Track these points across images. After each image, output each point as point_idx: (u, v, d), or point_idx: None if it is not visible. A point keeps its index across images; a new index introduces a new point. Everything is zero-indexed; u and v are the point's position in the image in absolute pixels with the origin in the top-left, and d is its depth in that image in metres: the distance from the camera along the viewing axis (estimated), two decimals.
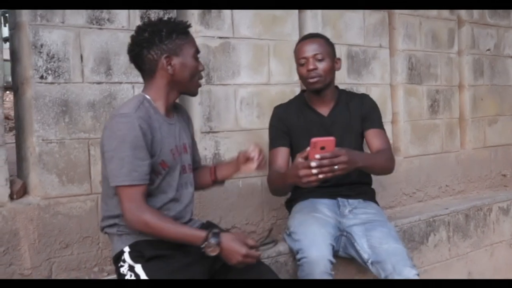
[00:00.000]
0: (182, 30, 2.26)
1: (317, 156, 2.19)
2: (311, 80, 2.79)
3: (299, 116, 2.90)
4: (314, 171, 2.22)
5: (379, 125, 2.88)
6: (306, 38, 2.89)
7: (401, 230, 3.25)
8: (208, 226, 2.35)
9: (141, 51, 2.24)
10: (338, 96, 2.93)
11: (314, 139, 2.21)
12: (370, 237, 2.63)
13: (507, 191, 4.48)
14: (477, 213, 3.80)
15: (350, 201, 2.82)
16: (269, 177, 2.83)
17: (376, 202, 2.91)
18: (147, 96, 2.26)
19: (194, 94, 2.40)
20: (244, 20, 3.30)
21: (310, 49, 2.79)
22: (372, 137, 2.83)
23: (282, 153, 2.85)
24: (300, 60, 2.82)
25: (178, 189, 2.31)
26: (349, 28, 3.81)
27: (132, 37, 2.28)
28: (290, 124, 2.88)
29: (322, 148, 2.21)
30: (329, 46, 2.86)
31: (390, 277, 2.49)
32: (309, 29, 3.60)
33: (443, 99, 4.48)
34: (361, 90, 3.87)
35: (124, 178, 2.10)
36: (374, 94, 3.94)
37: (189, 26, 2.31)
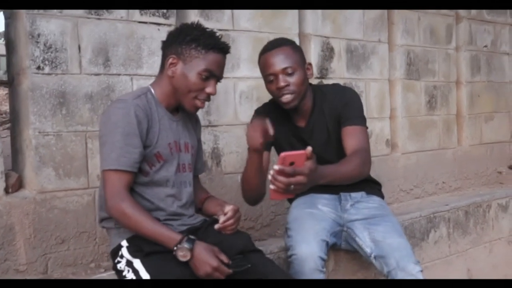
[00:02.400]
0: (205, 44, 2.19)
1: (276, 167, 2.01)
2: (284, 100, 2.50)
3: (277, 126, 2.52)
4: (271, 187, 2.06)
5: (354, 122, 2.56)
6: (271, 49, 2.52)
7: (402, 226, 3.18)
8: (211, 222, 2.30)
9: (164, 44, 2.27)
10: (313, 101, 2.65)
11: (283, 154, 2.02)
12: (373, 231, 2.57)
13: (506, 188, 4.46)
14: (476, 209, 3.78)
15: (353, 195, 2.73)
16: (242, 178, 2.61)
17: (381, 196, 2.84)
18: (152, 90, 2.26)
19: (188, 111, 2.30)
20: (244, 12, 3.25)
21: (278, 62, 2.46)
22: (346, 136, 2.56)
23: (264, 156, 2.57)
24: (268, 76, 2.51)
25: (177, 186, 2.27)
26: (348, 22, 3.77)
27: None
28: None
29: (292, 163, 2.02)
30: (297, 53, 2.55)
31: (393, 272, 2.44)
32: (309, 22, 3.57)
33: (441, 95, 4.46)
34: (360, 85, 3.83)
35: (112, 163, 2.07)
36: (373, 89, 3.93)
37: (221, 47, 2.24)
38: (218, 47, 2.23)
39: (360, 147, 2.50)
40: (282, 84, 2.47)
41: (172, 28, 2.82)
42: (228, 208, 2.27)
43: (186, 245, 2.02)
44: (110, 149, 2.08)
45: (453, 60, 4.56)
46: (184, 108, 2.28)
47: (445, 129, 4.50)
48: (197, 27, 2.25)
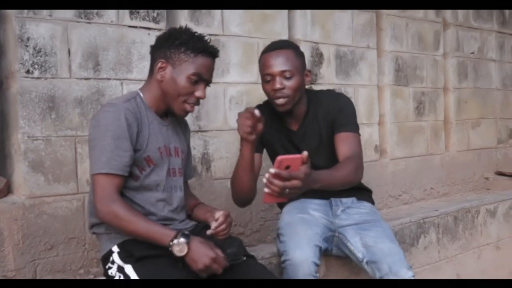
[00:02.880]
0: (194, 48, 2.18)
1: (272, 170, 2.02)
2: (278, 102, 2.51)
3: (269, 127, 2.56)
4: (266, 190, 2.07)
5: (347, 128, 2.57)
6: (273, 49, 2.53)
7: (393, 232, 3.21)
8: (203, 227, 2.29)
9: (153, 48, 2.26)
10: (307, 106, 2.65)
11: (279, 157, 2.04)
12: (364, 236, 2.56)
13: (494, 194, 4.48)
14: (465, 215, 3.78)
15: (344, 200, 2.73)
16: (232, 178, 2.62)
17: (371, 202, 2.84)
18: (141, 94, 2.24)
19: (178, 115, 2.30)
20: (234, 17, 3.24)
21: (277, 64, 2.47)
22: (339, 143, 2.57)
23: (256, 159, 2.58)
24: (265, 76, 2.52)
25: (167, 191, 2.26)
26: (338, 28, 3.78)
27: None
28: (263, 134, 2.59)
29: (287, 167, 2.05)
30: (298, 58, 2.55)
31: (385, 277, 2.43)
32: (299, 28, 3.57)
33: (429, 101, 4.48)
34: (349, 91, 3.84)
35: (102, 166, 2.05)
36: (362, 95, 3.94)
37: (210, 51, 2.24)
38: (207, 50, 2.23)
39: (353, 153, 2.51)
40: (277, 86, 2.47)
41: (162, 32, 2.81)
42: (219, 214, 2.27)
43: (182, 239, 2.00)
44: (100, 152, 2.06)
45: (440, 66, 4.59)
46: (173, 112, 2.27)
47: (433, 135, 4.51)
48: (186, 31, 2.25)
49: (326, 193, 2.68)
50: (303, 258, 2.39)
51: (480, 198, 4.20)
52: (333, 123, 2.60)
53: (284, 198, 2.13)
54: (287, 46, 2.57)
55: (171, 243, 2.00)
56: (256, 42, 3.30)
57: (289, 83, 2.48)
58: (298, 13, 3.58)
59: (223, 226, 2.24)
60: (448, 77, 4.68)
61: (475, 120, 4.92)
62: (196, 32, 2.26)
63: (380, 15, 4.11)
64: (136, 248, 2.09)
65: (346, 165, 2.45)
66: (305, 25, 3.60)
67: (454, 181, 4.72)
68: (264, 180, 2.04)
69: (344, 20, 3.83)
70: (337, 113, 2.60)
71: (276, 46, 2.55)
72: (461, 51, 4.78)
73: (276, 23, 3.43)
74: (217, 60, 3.10)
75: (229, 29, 3.23)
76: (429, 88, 4.48)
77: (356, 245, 2.57)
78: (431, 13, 4.48)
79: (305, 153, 2.04)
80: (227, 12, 3.21)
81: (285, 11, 3.49)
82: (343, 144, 2.55)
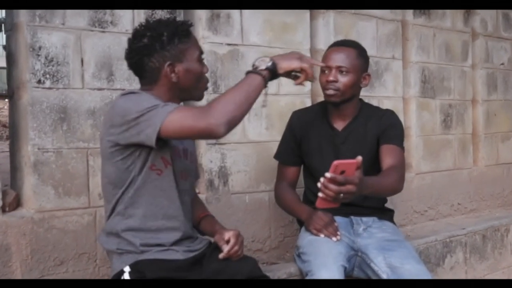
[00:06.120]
0: (184, 32, 2.09)
1: (328, 175, 2.00)
2: (328, 92, 2.62)
3: (313, 125, 2.74)
4: (320, 195, 2.04)
5: (395, 142, 2.63)
6: (337, 45, 2.70)
7: (417, 251, 3.08)
8: (214, 248, 2.19)
9: (141, 59, 2.07)
10: (358, 111, 2.73)
11: (336, 162, 2.01)
12: (389, 256, 2.47)
13: None
14: (494, 233, 3.65)
15: (364, 219, 2.67)
16: (277, 191, 2.81)
17: (392, 222, 2.75)
18: None
19: (199, 99, 2.22)
20: (253, 26, 3.15)
21: (336, 59, 2.60)
22: (384, 153, 2.61)
23: (291, 171, 2.81)
24: (323, 67, 2.65)
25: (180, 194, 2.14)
26: (361, 37, 3.65)
27: (130, 43, 2.11)
28: (302, 134, 2.75)
29: (342, 172, 2.02)
30: (359, 59, 2.64)
31: None
32: (321, 38, 3.47)
33: (456, 114, 4.34)
34: (373, 102, 3.68)
35: (170, 108, 1.89)
36: (387, 107, 3.79)
37: (191, 25, 2.15)
38: (188, 27, 2.14)
39: (397, 163, 2.55)
40: (331, 78, 2.58)
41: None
42: (229, 235, 2.19)
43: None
44: (155, 111, 1.89)
45: (469, 78, 4.45)
46: (194, 99, 2.23)
47: (460, 149, 4.37)
48: (156, 25, 2.10)
49: (345, 211, 2.63)
50: (329, 278, 2.31)
51: (510, 215, 4.07)
52: (381, 135, 2.66)
53: (336, 203, 2.10)
54: (351, 45, 2.69)
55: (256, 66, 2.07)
56: (277, 52, 3.16)
57: (343, 79, 2.59)
58: (321, 22, 3.48)
59: (235, 248, 2.16)
60: (476, 89, 4.54)
61: (504, 134, 4.76)
62: (164, 18, 2.28)
63: (406, 24, 3.99)
64: (149, 269, 2.01)
65: (392, 173, 2.48)
66: (327, 35, 3.48)
67: (483, 197, 4.56)
68: (319, 185, 2.02)
69: (368, 30, 3.71)
70: (388, 126, 2.67)
71: (342, 43, 2.70)
72: (490, 62, 4.63)
73: (297, 33, 3.33)
74: (236, 70, 3.06)
75: (249, 38, 3.13)
76: (457, 100, 4.34)
77: (380, 265, 2.47)
78: (459, 23, 4.35)
79: (359, 158, 2.03)
80: (246, 21, 3.12)
81: (307, 21, 3.39)
82: (389, 154, 2.59)
